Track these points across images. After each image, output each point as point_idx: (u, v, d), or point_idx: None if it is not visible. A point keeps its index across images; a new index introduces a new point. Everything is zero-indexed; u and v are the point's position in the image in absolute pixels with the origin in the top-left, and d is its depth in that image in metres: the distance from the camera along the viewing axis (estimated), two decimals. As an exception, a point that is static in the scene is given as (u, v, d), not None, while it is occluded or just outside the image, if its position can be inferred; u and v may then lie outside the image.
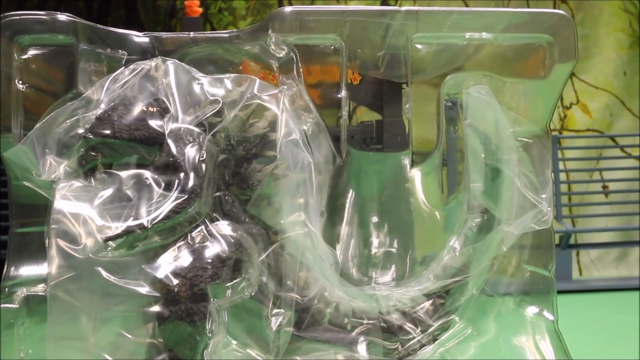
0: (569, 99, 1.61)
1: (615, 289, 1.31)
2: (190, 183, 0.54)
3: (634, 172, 1.53)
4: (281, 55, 0.60)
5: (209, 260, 0.54)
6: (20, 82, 0.59)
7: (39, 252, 0.56)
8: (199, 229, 0.56)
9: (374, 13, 0.60)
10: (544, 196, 0.59)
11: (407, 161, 0.63)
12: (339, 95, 0.61)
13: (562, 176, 1.52)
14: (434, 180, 0.64)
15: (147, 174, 0.55)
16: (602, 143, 1.61)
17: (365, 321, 0.59)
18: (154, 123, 0.56)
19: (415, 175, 0.63)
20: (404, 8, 0.60)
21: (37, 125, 0.56)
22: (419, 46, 0.61)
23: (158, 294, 0.53)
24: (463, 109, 0.61)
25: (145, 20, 1.61)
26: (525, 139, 0.61)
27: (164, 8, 1.64)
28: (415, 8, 0.60)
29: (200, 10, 1.20)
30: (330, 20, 0.60)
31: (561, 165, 1.50)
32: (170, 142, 0.55)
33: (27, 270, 0.58)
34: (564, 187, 1.48)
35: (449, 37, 0.61)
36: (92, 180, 0.55)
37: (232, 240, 0.56)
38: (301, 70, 0.60)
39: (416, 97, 0.63)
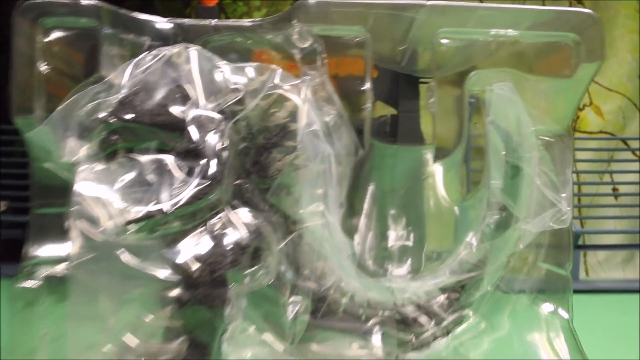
0: (580, 103, 1.60)
1: (621, 290, 1.31)
2: (212, 170, 0.55)
3: (644, 175, 1.53)
4: (305, 45, 0.60)
5: (229, 247, 0.54)
6: (43, 64, 0.59)
7: (59, 233, 0.56)
8: (220, 215, 0.56)
9: (399, 6, 0.60)
10: (563, 195, 0.59)
11: (429, 156, 0.63)
12: (363, 88, 0.61)
13: (573, 177, 1.51)
14: (455, 176, 0.64)
15: (168, 159, 0.55)
16: (613, 145, 1.61)
17: (380, 312, 0.59)
18: (175, 109, 0.56)
19: (437, 170, 0.64)
20: (429, 2, 0.60)
21: (59, 107, 0.56)
22: (444, 41, 0.61)
23: (178, 279, 0.53)
24: (485, 106, 0.61)
25: (160, 8, 1.61)
26: (546, 138, 0.61)
27: (180, -3, 1.63)
28: (441, 3, 0.60)
29: (215, 0, 1.20)
30: (355, 12, 0.60)
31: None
32: (192, 128, 0.55)
33: (48, 250, 0.58)
34: (574, 188, 1.48)
35: (474, 32, 0.61)
36: (113, 164, 0.56)
37: (252, 228, 0.56)
38: (325, 61, 0.60)
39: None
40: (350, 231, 0.62)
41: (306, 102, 0.58)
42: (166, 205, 0.53)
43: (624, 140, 1.61)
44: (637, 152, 1.58)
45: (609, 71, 1.62)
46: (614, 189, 1.56)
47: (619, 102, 1.63)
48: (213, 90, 0.57)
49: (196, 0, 1.59)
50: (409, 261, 0.64)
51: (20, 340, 0.56)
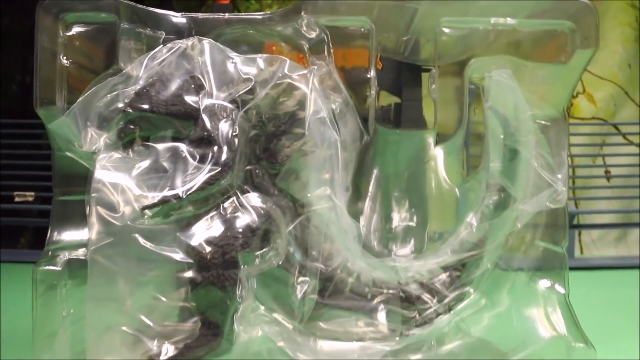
0: (575, 88, 1.59)
1: (614, 267, 1.29)
2: (224, 156, 0.53)
3: (635, 158, 1.51)
4: (312, 36, 0.58)
5: (240, 230, 0.53)
6: (65, 57, 0.58)
7: (79, 219, 0.55)
8: (231, 200, 0.55)
9: (402, -3, 0.58)
10: (559, 176, 0.58)
11: (430, 140, 0.62)
12: (368, 76, 0.59)
13: (567, 160, 1.49)
14: (455, 159, 0.63)
15: (182, 147, 0.54)
16: (605, 130, 1.60)
17: (384, 291, 0.58)
18: (189, 99, 0.55)
19: (438, 153, 0.62)
20: None
21: (80, 98, 0.55)
22: (446, 30, 0.59)
23: (191, 261, 0.52)
24: (485, 92, 0.59)
25: (177, 7, 1.60)
26: (543, 122, 0.59)
27: (196, -5, 1.63)
28: (443, -7, 0.59)
29: (229, -3, 1.19)
30: (360, 3, 0.58)
31: (566, 151, 1.48)
32: (205, 117, 0.54)
33: (69, 235, 0.57)
34: (568, 171, 1.46)
35: (475, 21, 0.59)
36: (130, 152, 0.55)
37: (262, 212, 0.55)
38: (332, 50, 0.59)
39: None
40: (356, 214, 0.61)
41: (313, 91, 0.56)
42: (180, 191, 0.52)
43: (615, 126, 1.59)
44: (628, 137, 1.56)
45: (601, 61, 1.60)
46: (606, 172, 1.54)
47: (611, 90, 1.61)
48: (225, 80, 0.56)
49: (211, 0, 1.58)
50: (412, 241, 0.63)
51: (42, 322, 0.55)
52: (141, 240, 0.52)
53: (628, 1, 1.62)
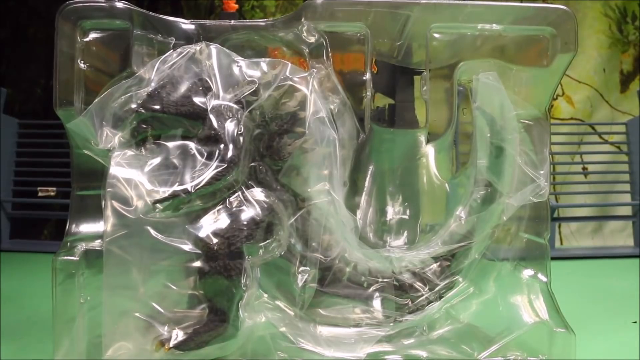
0: (556, 90, 1.58)
1: (591, 257, 1.29)
2: (230, 154, 0.53)
3: (610, 156, 1.51)
4: (312, 41, 0.58)
5: (245, 223, 0.53)
6: (82, 62, 0.57)
7: (96, 212, 0.55)
8: (236, 194, 0.54)
9: (396, 4, 0.58)
10: (542, 172, 0.57)
11: (422, 138, 0.61)
12: (364, 78, 0.59)
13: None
14: (445, 157, 0.62)
15: (191, 145, 0.54)
16: (583, 130, 1.59)
17: (380, 279, 0.58)
18: (198, 100, 0.54)
19: (430, 151, 0.62)
20: (423, 1, 0.57)
21: (96, 100, 0.55)
22: (436, 35, 0.58)
23: (199, 251, 0.51)
24: (473, 93, 0.58)
25: (188, 16, 1.59)
26: (526, 121, 0.59)
27: (204, 6, 1.62)
28: (433, 1, 0.58)
29: (236, 6, 1.18)
30: (356, 10, 0.58)
31: (547, 149, 1.47)
32: (212, 117, 0.53)
33: (86, 227, 0.57)
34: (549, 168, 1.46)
35: (463, 27, 0.59)
36: (143, 150, 0.54)
37: (265, 206, 0.54)
38: (330, 55, 0.58)
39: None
40: (353, 207, 0.60)
41: (313, 92, 0.56)
42: (189, 186, 0.52)
43: (591, 126, 1.59)
44: (603, 136, 1.56)
45: (579, 66, 1.60)
46: (584, 168, 1.54)
47: (587, 93, 1.62)
48: (231, 82, 0.55)
49: (219, 9, 1.58)
50: (406, 233, 0.62)
51: (62, 308, 0.54)
52: (153, 232, 0.51)
53: (602, 11, 1.62)
